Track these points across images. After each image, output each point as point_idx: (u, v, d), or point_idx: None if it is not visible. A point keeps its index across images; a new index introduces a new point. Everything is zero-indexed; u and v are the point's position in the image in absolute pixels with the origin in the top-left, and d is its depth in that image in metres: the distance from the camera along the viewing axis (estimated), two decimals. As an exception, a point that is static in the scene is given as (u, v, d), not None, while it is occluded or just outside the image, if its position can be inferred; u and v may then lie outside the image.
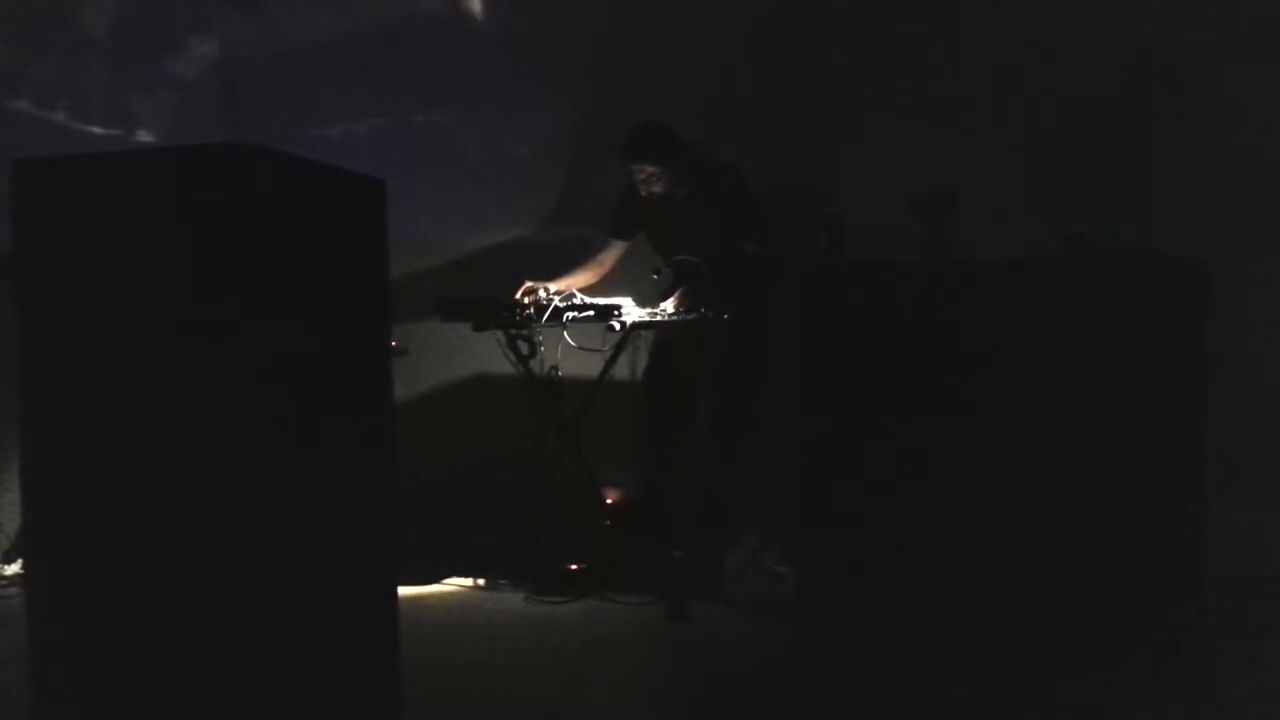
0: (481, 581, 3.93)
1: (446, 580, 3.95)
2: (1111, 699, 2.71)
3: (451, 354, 4.89)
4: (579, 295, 3.92)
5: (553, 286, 4.01)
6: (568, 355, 4.08)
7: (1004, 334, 3.15)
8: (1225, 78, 3.91)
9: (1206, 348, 3.06)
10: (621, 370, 4.04)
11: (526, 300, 3.94)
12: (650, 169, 4.03)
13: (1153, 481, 3.04)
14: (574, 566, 3.84)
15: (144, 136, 4.85)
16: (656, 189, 4.07)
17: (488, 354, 4.75)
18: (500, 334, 4.06)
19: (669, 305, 3.90)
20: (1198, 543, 3.05)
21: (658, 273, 4.17)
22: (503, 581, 3.90)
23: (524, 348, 4.06)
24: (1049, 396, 3.10)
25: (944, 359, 3.21)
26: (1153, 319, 3.06)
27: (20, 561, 3.75)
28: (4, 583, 3.81)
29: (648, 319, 3.87)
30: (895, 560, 3.24)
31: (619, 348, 4.00)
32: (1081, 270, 3.19)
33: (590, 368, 4.06)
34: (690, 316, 3.86)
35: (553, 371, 4.10)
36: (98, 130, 4.66)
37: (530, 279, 4.02)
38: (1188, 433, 3.06)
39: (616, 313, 3.81)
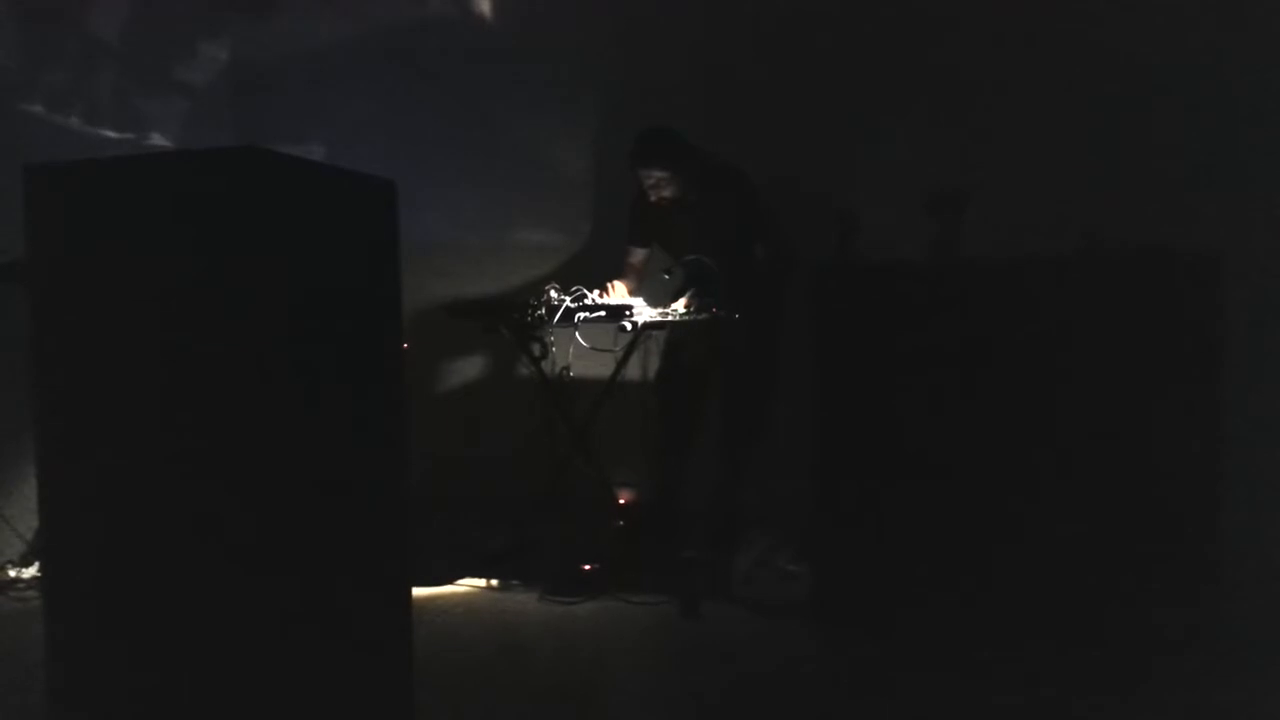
0: (494, 582, 3.93)
1: (460, 581, 3.95)
2: (1115, 698, 2.71)
3: (462, 355, 4.90)
4: (590, 296, 3.92)
5: (621, 288, 4.04)
6: (579, 356, 4.09)
7: (1016, 331, 3.14)
8: (1237, 72, 3.89)
9: (1218, 343, 3.04)
10: (633, 371, 4.05)
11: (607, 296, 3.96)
12: (659, 174, 4.03)
13: (1164, 479, 3.03)
14: (587, 567, 3.84)
15: (156, 141, 4.88)
16: (666, 194, 4.07)
17: (498, 355, 4.77)
18: (509, 335, 4.06)
19: (680, 305, 3.90)
20: (1209, 540, 3.02)
21: (668, 272, 4.17)
22: (516, 582, 3.91)
23: (535, 348, 4.06)
24: (1061, 393, 3.10)
25: (956, 357, 3.20)
26: (1165, 315, 3.05)
27: (37, 564, 3.78)
28: (22, 585, 3.84)
29: (659, 319, 3.87)
30: (908, 559, 3.24)
31: (630, 348, 4.00)
32: (1093, 267, 3.18)
33: (602, 368, 4.06)
34: (701, 316, 3.86)
35: (564, 372, 4.10)
36: (110, 135, 4.68)
37: (539, 282, 4.03)
38: (1200, 429, 3.04)
39: (628, 313, 3.81)
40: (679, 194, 4.09)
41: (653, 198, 4.10)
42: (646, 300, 3.95)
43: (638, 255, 4.33)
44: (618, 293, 4.01)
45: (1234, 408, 3.00)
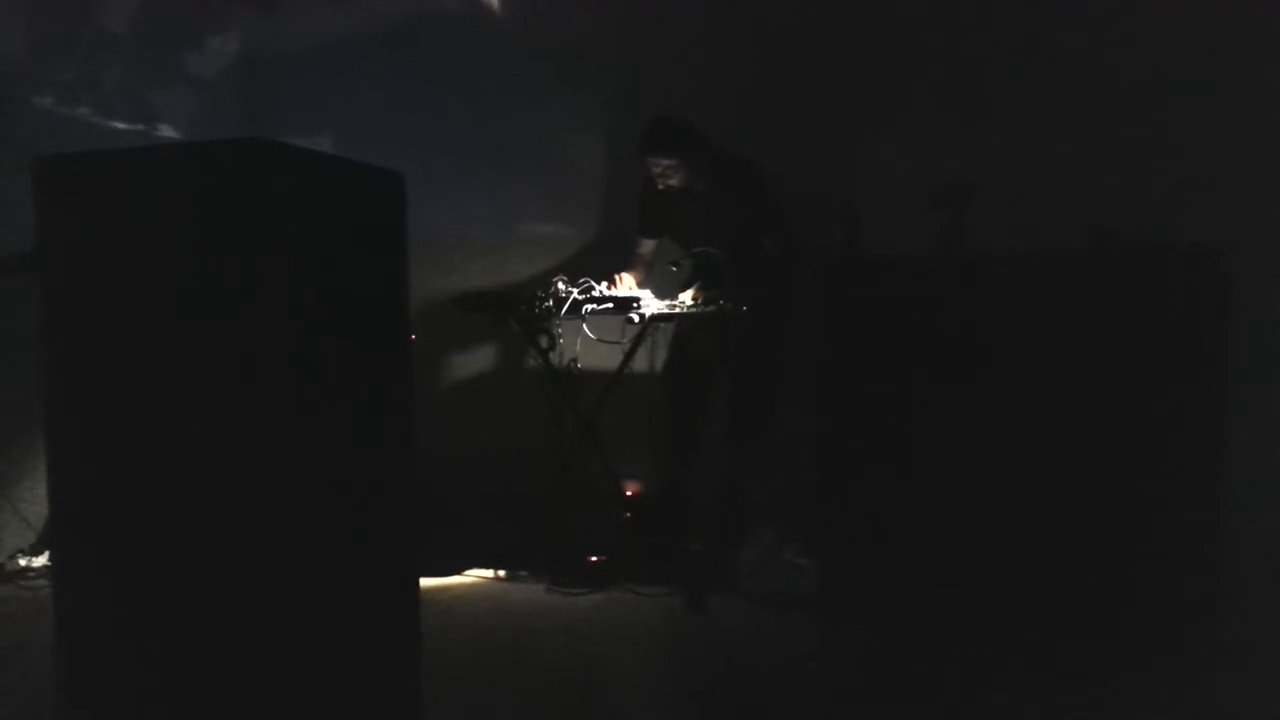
0: (502, 573, 3.95)
1: (467, 572, 3.97)
2: (1115, 695, 2.72)
3: (468, 348, 4.90)
4: (598, 288, 3.93)
5: (628, 280, 4.05)
6: (587, 348, 4.09)
7: (1022, 327, 3.14)
8: (1246, 67, 3.88)
9: (1220, 342, 3.04)
10: (640, 363, 4.05)
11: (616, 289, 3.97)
12: (666, 162, 4.03)
13: (1165, 478, 3.03)
14: (593, 558, 3.85)
15: (165, 132, 4.90)
16: (673, 182, 4.07)
17: (504, 348, 4.77)
18: (517, 327, 4.06)
19: (687, 297, 3.91)
20: (1209, 540, 3.02)
21: (676, 264, 4.17)
22: (523, 573, 3.92)
23: (543, 340, 4.07)
24: (1068, 389, 3.10)
25: (962, 352, 3.20)
26: (1166, 313, 3.05)
27: (47, 554, 3.80)
28: (32, 575, 3.87)
29: (666, 311, 3.87)
30: (914, 553, 3.24)
31: (638, 340, 4.01)
32: (1100, 261, 3.18)
33: (609, 360, 4.07)
34: (709, 308, 3.86)
35: (572, 364, 4.10)
36: (120, 126, 4.70)
37: (547, 275, 4.03)
38: (1200, 428, 3.03)
39: (635, 305, 3.82)
40: (687, 183, 4.09)
41: (660, 186, 4.11)
42: (654, 292, 3.96)
43: (646, 247, 4.34)
44: (625, 285, 4.02)
45: (1234, 408, 3.00)
